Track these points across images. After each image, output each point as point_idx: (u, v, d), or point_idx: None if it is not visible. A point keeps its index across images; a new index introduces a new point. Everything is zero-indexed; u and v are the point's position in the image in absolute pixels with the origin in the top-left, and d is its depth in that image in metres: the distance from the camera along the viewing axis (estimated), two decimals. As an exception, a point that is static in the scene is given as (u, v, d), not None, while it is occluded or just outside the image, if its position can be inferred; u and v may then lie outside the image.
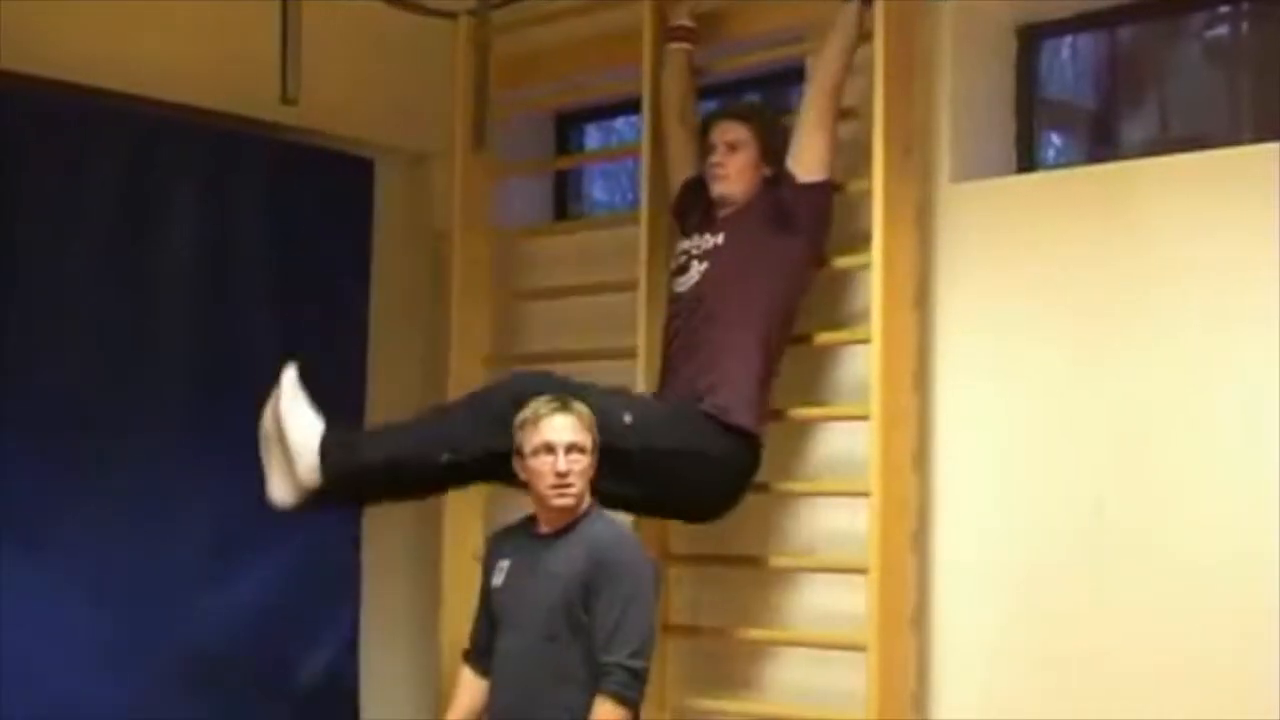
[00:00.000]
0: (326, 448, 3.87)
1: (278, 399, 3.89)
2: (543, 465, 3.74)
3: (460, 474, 4.05)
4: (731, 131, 4.29)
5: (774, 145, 4.30)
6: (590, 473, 3.77)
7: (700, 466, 4.05)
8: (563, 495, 3.74)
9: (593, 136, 5.82)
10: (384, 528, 5.21)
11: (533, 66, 5.10)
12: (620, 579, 3.68)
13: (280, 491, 3.92)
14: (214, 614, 4.75)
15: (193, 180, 4.83)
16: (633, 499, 4.06)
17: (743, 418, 4.07)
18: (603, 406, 3.88)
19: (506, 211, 5.33)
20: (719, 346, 4.13)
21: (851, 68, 4.19)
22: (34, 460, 4.43)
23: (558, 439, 3.75)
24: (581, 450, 3.75)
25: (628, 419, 3.95)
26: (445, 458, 3.92)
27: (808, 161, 4.18)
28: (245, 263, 4.93)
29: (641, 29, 4.62)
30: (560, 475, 3.73)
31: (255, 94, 4.70)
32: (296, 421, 3.88)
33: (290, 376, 3.91)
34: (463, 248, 5.06)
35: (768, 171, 4.29)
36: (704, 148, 4.36)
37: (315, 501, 3.93)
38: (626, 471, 3.91)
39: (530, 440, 3.77)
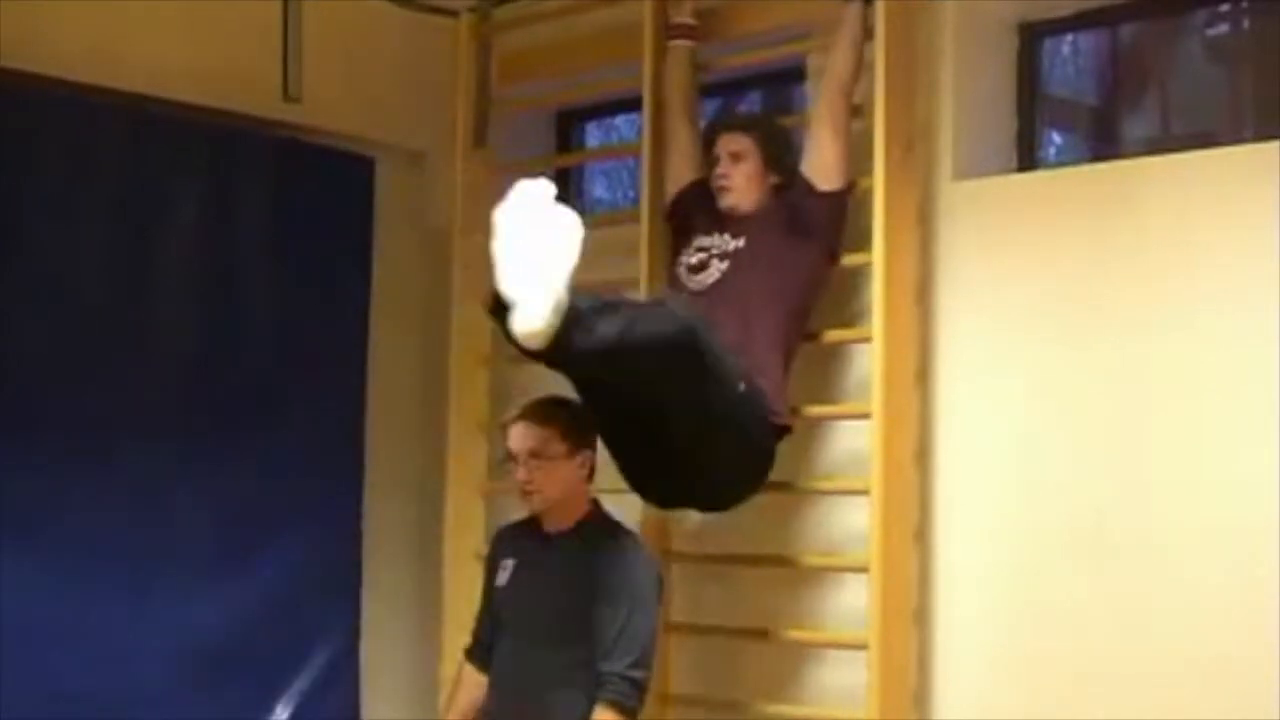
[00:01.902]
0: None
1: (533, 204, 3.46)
2: (513, 475, 3.78)
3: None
4: (734, 143, 4.27)
5: (778, 153, 4.28)
6: (567, 475, 3.77)
7: (745, 452, 3.97)
8: (528, 500, 3.79)
9: (593, 134, 5.82)
10: (385, 526, 5.22)
11: (533, 64, 5.09)
12: (623, 585, 3.69)
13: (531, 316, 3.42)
14: (214, 612, 4.75)
15: (194, 178, 4.83)
16: (673, 448, 3.88)
17: (778, 407, 4.08)
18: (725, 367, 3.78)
19: (507, 210, 5.32)
20: (747, 341, 4.11)
21: (862, 68, 4.17)
22: (34, 458, 4.43)
23: (516, 447, 3.80)
24: (545, 457, 3.75)
25: (742, 388, 3.83)
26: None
27: (825, 167, 4.15)
28: (246, 260, 4.94)
29: (642, 26, 4.61)
30: (522, 483, 3.78)
31: (257, 92, 4.72)
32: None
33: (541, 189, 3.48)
34: (463, 246, 5.05)
35: (774, 179, 4.27)
36: (708, 159, 4.35)
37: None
38: (696, 419, 3.75)
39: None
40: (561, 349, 3.44)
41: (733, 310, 4.13)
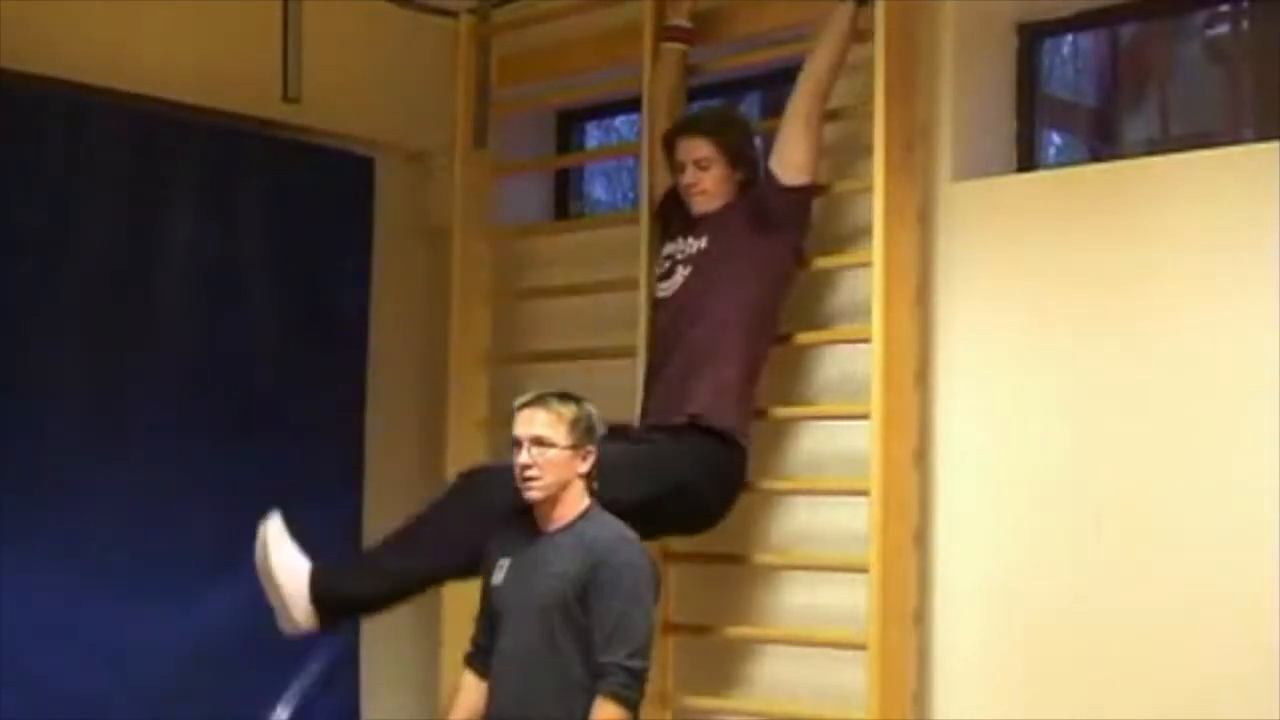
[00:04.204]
0: (316, 592, 3.94)
1: (265, 550, 3.95)
2: (515, 459, 3.78)
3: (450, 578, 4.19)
4: (697, 149, 4.29)
5: (742, 151, 4.31)
6: (567, 468, 3.77)
7: (684, 497, 4.11)
8: (529, 488, 3.77)
9: (593, 135, 5.82)
10: (385, 525, 5.18)
11: (533, 65, 5.10)
12: (619, 579, 3.68)
13: (286, 627, 3.99)
14: (215, 612, 4.74)
15: (194, 178, 4.84)
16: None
17: (725, 420, 4.11)
18: None
19: (507, 210, 5.33)
20: (702, 350, 4.15)
21: (842, 68, 4.18)
22: (34, 457, 4.43)
23: (522, 432, 3.78)
24: (549, 444, 3.76)
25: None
26: (427, 585, 4.10)
27: (792, 164, 4.17)
28: (246, 261, 4.93)
29: (642, 27, 4.61)
30: (523, 467, 3.76)
31: (257, 92, 4.72)
32: (285, 571, 3.95)
33: (275, 527, 3.98)
34: (463, 246, 5.06)
35: (739, 176, 4.30)
36: (671, 164, 4.36)
37: (320, 629, 4.03)
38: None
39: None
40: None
41: (692, 317, 4.17)
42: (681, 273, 4.26)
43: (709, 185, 4.27)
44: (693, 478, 4.10)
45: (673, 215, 4.43)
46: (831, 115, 4.25)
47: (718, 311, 4.15)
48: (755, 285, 4.18)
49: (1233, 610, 3.64)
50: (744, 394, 4.16)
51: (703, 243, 4.24)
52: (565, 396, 3.83)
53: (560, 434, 3.76)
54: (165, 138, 4.77)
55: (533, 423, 3.78)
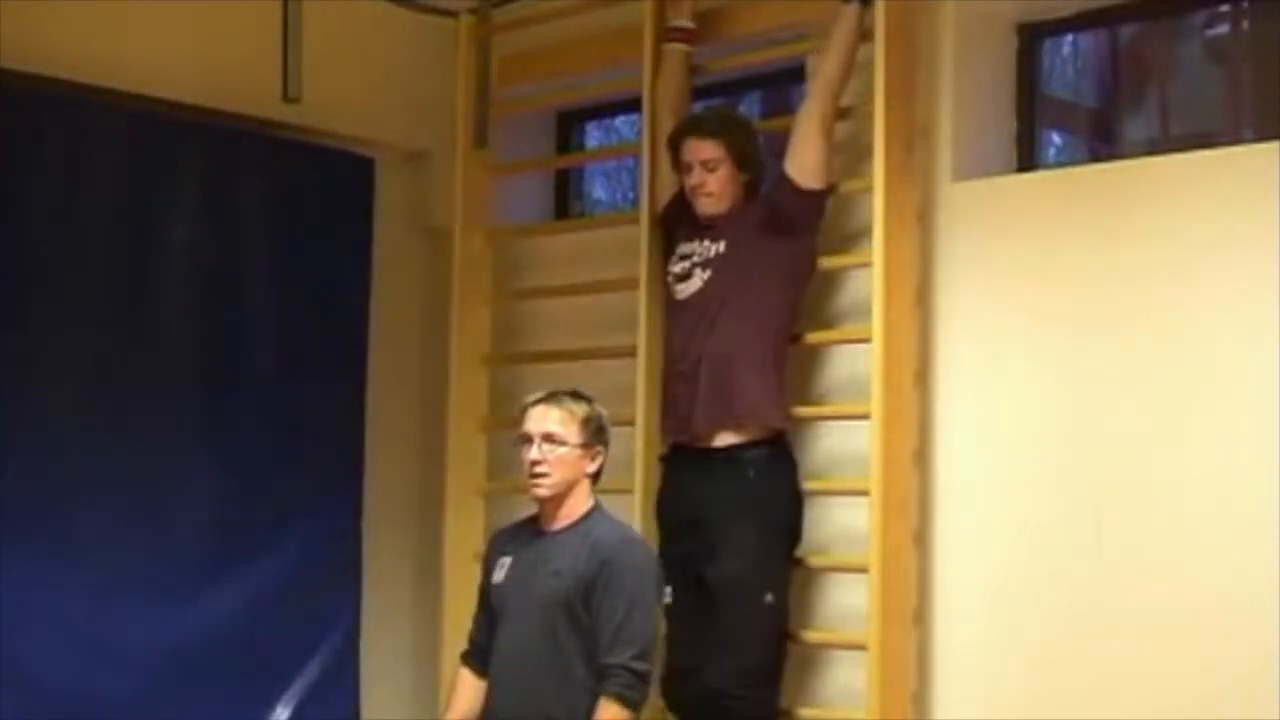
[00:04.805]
0: None
1: None
2: (523, 455, 3.78)
3: None
4: (704, 150, 4.29)
5: (748, 152, 4.31)
6: (576, 467, 3.78)
7: (783, 523, 4.19)
8: (537, 485, 3.78)
9: (593, 135, 5.81)
10: (385, 527, 5.21)
11: (533, 65, 5.10)
12: (623, 580, 3.68)
13: None
14: (215, 612, 4.75)
15: (194, 179, 4.84)
16: None
17: (771, 425, 4.15)
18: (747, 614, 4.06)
19: (507, 210, 5.33)
20: (731, 355, 4.15)
21: (853, 69, 4.18)
22: (35, 457, 4.43)
23: (533, 429, 3.79)
24: (560, 442, 3.76)
25: (769, 599, 4.09)
26: None
27: (808, 167, 4.17)
28: (246, 261, 4.94)
29: (642, 27, 4.61)
30: (532, 463, 3.76)
31: (256, 92, 4.71)
32: None
33: None
34: (463, 246, 5.06)
35: (745, 178, 4.30)
36: (678, 165, 4.36)
37: None
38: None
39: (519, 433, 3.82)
40: None
41: (717, 320, 4.19)
42: (700, 276, 4.26)
43: (715, 187, 4.27)
44: (778, 508, 4.16)
45: (679, 220, 4.42)
46: (840, 114, 4.24)
47: (742, 315, 4.16)
48: (776, 287, 4.19)
49: (1233, 610, 3.64)
50: (781, 393, 4.19)
51: (720, 246, 4.24)
52: (578, 395, 3.85)
53: (572, 432, 3.78)
54: (165, 138, 4.77)
55: (545, 419, 3.78)
